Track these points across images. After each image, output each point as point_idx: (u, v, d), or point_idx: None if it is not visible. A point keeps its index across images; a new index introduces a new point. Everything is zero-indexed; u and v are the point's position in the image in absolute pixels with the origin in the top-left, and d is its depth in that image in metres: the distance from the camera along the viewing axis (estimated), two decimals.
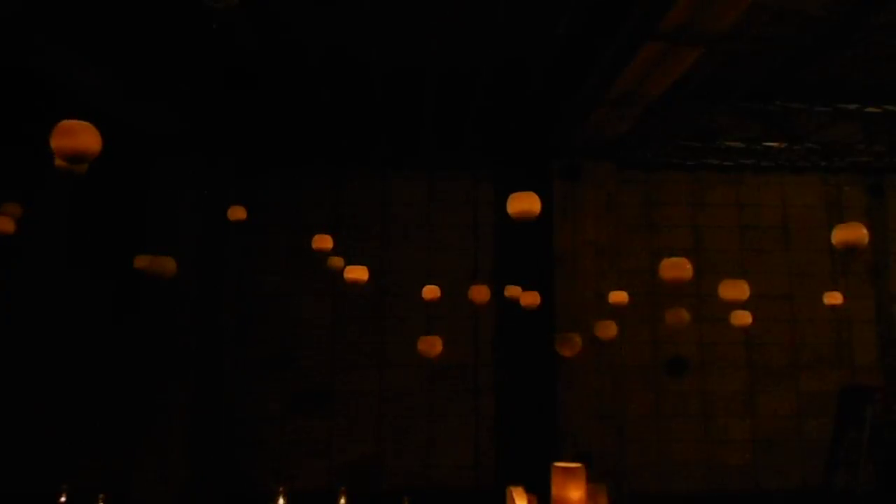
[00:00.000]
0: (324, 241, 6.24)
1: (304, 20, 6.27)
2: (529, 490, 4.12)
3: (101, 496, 5.56)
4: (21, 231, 5.23)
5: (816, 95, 7.73)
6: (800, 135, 8.62)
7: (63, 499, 5.63)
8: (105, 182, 8.16)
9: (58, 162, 4.14)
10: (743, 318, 6.48)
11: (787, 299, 9.40)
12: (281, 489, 5.66)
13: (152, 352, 7.97)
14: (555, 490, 3.64)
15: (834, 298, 7.37)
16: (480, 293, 6.47)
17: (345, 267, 6.37)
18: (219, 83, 7.60)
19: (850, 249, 4.46)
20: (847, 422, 8.32)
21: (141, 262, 5.62)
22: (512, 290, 6.69)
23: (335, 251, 6.45)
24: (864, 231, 4.38)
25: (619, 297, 6.54)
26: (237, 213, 6.37)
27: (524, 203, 4.35)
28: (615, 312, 7.12)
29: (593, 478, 3.86)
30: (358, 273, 6.24)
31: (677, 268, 5.06)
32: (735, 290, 5.58)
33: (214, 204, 7.89)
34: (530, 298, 6.49)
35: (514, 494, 4.02)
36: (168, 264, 5.47)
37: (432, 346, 5.75)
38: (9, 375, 8.42)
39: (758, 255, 9.48)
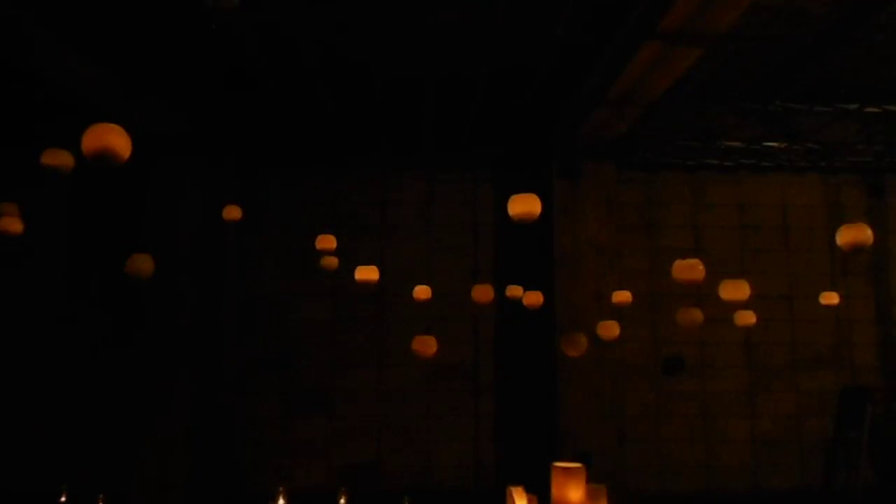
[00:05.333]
0: (327, 242, 6.25)
1: (304, 22, 6.27)
2: (529, 490, 4.12)
3: (101, 496, 5.56)
4: (21, 232, 5.22)
5: (816, 95, 7.73)
6: (800, 135, 8.61)
7: (63, 499, 5.63)
8: (105, 182, 8.16)
9: (44, 160, 4.19)
10: (747, 318, 6.48)
11: (787, 299, 9.40)
12: (281, 489, 5.66)
13: (152, 352, 7.97)
14: (555, 490, 3.64)
15: (830, 298, 7.38)
16: (483, 293, 6.46)
17: (339, 266, 6.37)
18: (219, 83, 7.60)
19: (857, 250, 4.45)
20: (847, 421, 8.30)
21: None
22: (513, 290, 6.69)
23: (335, 251, 6.45)
24: (870, 231, 4.37)
25: (622, 296, 6.52)
26: (232, 212, 6.37)
27: (525, 204, 4.35)
28: (616, 312, 7.12)
29: (593, 478, 3.86)
30: (368, 273, 6.24)
31: (690, 269, 5.06)
32: (736, 290, 5.57)
33: (214, 204, 7.87)
34: (532, 298, 6.48)
35: (514, 494, 4.01)
36: (145, 263, 5.42)
37: (427, 346, 5.71)
38: (9, 375, 8.42)
39: (758, 255, 9.48)
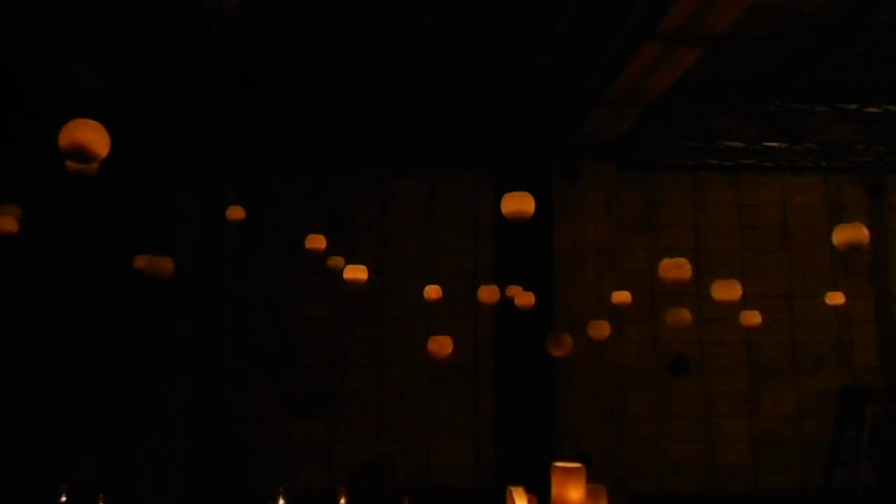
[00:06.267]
0: (317, 241, 6.23)
1: (304, 23, 6.27)
2: (529, 490, 4.12)
3: (101, 496, 5.56)
4: (22, 231, 5.22)
5: (816, 95, 7.73)
6: (800, 135, 8.61)
7: (63, 499, 5.63)
8: (105, 182, 8.15)
9: (70, 165, 4.11)
10: (752, 318, 6.47)
11: (787, 299, 9.40)
12: (281, 489, 5.66)
13: (152, 352, 7.98)
14: (555, 490, 3.63)
15: (836, 298, 7.38)
16: (490, 294, 6.44)
17: (345, 267, 6.36)
18: (219, 84, 7.60)
19: (852, 249, 4.45)
20: (847, 422, 8.31)
21: (140, 262, 5.62)
22: (514, 290, 6.69)
23: (336, 251, 6.45)
24: (866, 231, 4.38)
25: (622, 296, 6.52)
26: (235, 212, 6.37)
27: (517, 203, 4.33)
28: (616, 312, 7.12)
29: (593, 478, 3.86)
30: (357, 272, 6.23)
31: (677, 268, 5.06)
32: (728, 290, 5.56)
33: (214, 204, 7.89)
34: (525, 299, 6.48)
35: (514, 494, 4.01)
36: (166, 264, 5.43)
37: (443, 346, 5.69)
38: (9, 375, 8.42)
39: (758, 255, 9.48)
